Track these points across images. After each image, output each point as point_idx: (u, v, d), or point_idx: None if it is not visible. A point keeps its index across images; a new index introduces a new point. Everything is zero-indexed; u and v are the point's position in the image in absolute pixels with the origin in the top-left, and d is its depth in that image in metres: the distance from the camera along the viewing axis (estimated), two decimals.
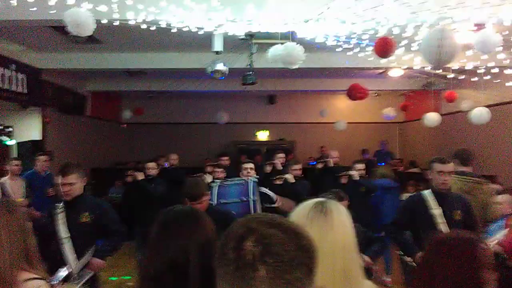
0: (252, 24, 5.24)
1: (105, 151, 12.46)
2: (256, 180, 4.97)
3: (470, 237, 1.70)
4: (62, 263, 3.18)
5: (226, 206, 4.61)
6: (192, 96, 13.46)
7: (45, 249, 3.30)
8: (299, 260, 0.85)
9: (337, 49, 6.14)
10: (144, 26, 4.97)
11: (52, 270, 2.91)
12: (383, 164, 11.18)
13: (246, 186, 4.81)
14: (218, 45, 5.78)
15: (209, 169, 6.57)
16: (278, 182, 5.49)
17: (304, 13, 4.99)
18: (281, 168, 6.26)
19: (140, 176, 6.23)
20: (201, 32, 5.33)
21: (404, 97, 12.89)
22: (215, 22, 5.13)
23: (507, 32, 4.99)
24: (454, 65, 6.55)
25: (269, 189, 5.14)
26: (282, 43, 5.21)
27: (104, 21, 4.70)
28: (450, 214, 3.54)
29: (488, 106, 7.66)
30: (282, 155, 6.83)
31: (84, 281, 3.22)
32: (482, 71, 6.48)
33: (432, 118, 9.02)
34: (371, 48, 5.51)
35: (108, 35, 6.80)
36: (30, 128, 8.99)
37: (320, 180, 6.36)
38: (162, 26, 5.03)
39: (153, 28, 5.04)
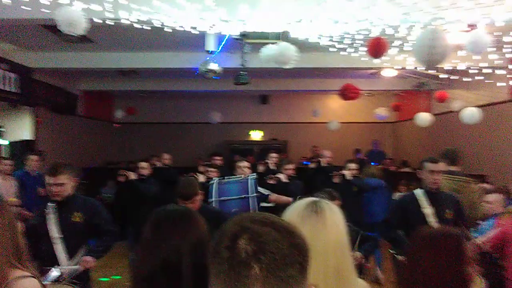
0: (245, 24, 5.25)
1: (97, 150, 12.40)
2: (255, 177, 4.97)
3: (456, 232, 1.74)
4: (54, 263, 3.16)
5: (226, 203, 4.62)
6: (185, 96, 13.43)
7: (37, 249, 3.29)
8: (293, 258, 0.86)
9: (330, 49, 6.16)
10: (137, 26, 4.95)
11: (44, 270, 2.89)
12: (375, 163, 11.26)
13: (246, 183, 4.81)
14: (210, 45, 5.78)
15: (202, 169, 6.57)
16: (271, 181, 5.51)
17: (297, 13, 5.00)
18: (274, 167, 6.28)
19: (133, 175, 6.21)
20: (194, 32, 5.32)
21: (396, 97, 12.96)
22: (208, 21, 5.12)
23: (500, 33, 5.04)
24: (446, 65, 6.60)
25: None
26: (275, 43, 5.22)
27: (97, 20, 4.68)
28: (441, 213, 3.58)
29: (479, 106, 7.72)
30: (275, 155, 6.86)
31: (71, 277, 3.19)
32: (473, 71, 6.53)
33: (424, 118, 9.08)
34: (364, 48, 5.53)
35: (101, 34, 6.76)
36: (21, 128, 8.93)
37: (313, 180, 6.38)
38: (155, 25, 5.01)
39: (146, 27, 5.02)
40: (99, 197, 9.30)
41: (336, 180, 5.93)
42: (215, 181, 4.88)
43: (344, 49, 6.05)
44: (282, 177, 5.56)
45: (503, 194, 4.20)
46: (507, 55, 5.93)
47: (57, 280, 2.88)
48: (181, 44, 7.19)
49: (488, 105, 8.28)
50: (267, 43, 5.52)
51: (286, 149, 13.69)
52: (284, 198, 5.01)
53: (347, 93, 8.95)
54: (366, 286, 1.61)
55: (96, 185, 9.86)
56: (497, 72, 6.68)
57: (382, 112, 11.69)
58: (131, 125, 13.87)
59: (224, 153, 9.84)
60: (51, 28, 6.09)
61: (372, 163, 10.84)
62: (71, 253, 3.33)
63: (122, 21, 4.80)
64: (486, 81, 6.91)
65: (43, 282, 2.47)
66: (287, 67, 5.24)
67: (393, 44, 5.50)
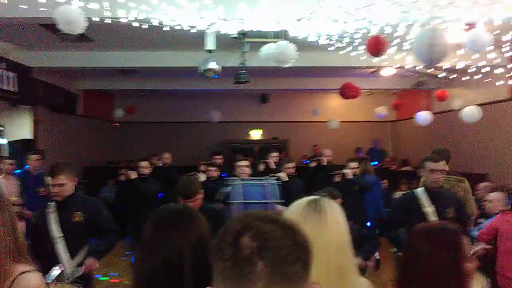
0: (244, 22, 5.24)
1: (98, 150, 12.40)
2: (280, 182, 4.93)
3: (455, 228, 1.74)
4: (55, 262, 3.16)
5: (250, 206, 4.60)
6: (185, 95, 13.42)
7: (39, 249, 3.29)
8: (296, 254, 0.86)
9: (329, 48, 6.16)
10: (136, 24, 4.95)
11: (45, 270, 2.88)
12: (376, 162, 11.27)
13: (269, 188, 4.77)
14: (210, 44, 5.77)
15: (202, 167, 6.56)
16: None
17: (297, 11, 4.99)
18: (275, 167, 6.28)
19: (133, 175, 6.22)
20: (193, 31, 5.31)
21: (396, 96, 12.96)
22: (207, 20, 5.12)
23: (497, 32, 5.04)
24: (446, 64, 6.60)
25: None
26: (274, 42, 5.21)
27: (95, 19, 4.67)
28: (442, 212, 3.58)
29: (479, 105, 7.72)
30: (275, 154, 6.85)
31: (74, 277, 3.20)
32: (473, 70, 6.53)
33: (424, 116, 9.08)
34: (363, 47, 5.53)
35: (100, 33, 6.76)
36: (21, 127, 8.92)
37: (313, 179, 6.38)
38: (154, 24, 5.01)
39: (145, 26, 5.02)
40: (99, 196, 9.30)
41: (337, 179, 5.93)
42: (239, 182, 4.80)
43: (343, 48, 6.05)
44: (283, 176, 5.55)
45: (504, 192, 4.21)
46: (506, 54, 5.93)
47: (58, 279, 2.88)
48: (181, 43, 7.19)
49: (488, 103, 8.28)
50: (266, 42, 5.51)
51: (286, 148, 13.70)
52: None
53: (347, 92, 8.95)
54: (368, 284, 1.61)
55: (97, 185, 9.87)
56: (496, 71, 6.68)
57: (382, 111, 11.69)
58: (131, 124, 13.87)
59: (224, 152, 9.84)
60: (50, 27, 6.09)
61: (372, 162, 10.90)
62: (72, 252, 3.34)
63: (121, 19, 4.79)
64: (485, 80, 6.91)
65: (46, 281, 2.49)
66: (287, 66, 5.23)
67: (392, 43, 5.50)
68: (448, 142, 9.68)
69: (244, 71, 6.76)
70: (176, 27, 5.16)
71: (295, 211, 1.46)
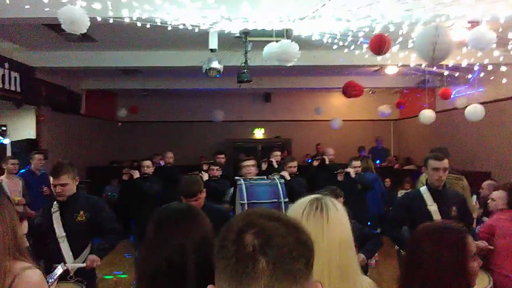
0: (247, 21, 5.24)
1: (101, 149, 12.42)
2: (284, 181, 4.90)
3: (459, 227, 1.73)
4: (59, 261, 3.17)
5: (256, 206, 4.53)
6: (188, 94, 13.43)
7: (42, 248, 3.31)
8: (299, 252, 0.86)
9: (332, 47, 6.14)
10: (139, 24, 4.95)
11: (48, 269, 2.89)
12: (379, 161, 11.26)
13: (276, 187, 4.72)
14: (213, 43, 5.77)
15: (205, 167, 6.57)
16: None
17: (299, 10, 4.98)
18: (277, 166, 6.28)
19: (136, 174, 6.22)
20: (196, 30, 5.31)
21: (399, 95, 12.93)
22: (210, 20, 5.11)
23: (500, 30, 5.01)
24: (449, 62, 6.57)
25: None
26: (277, 41, 5.21)
27: (99, 18, 4.68)
28: (446, 210, 3.57)
29: (482, 103, 7.69)
30: (278, 153, 6.86)
31: (75, 269, 3.21)
32: (476, 68, 6.50)
33: (427, 115, 9.05)
34: (366, 45, 5.52)
35: (103, 33, 6.77)
36: (24, 127, 8.94)
37: (316, 178, 6.38)
38: (157, 24, 5.01)
39: (148, 26, 5.02)
40: (102, 195, 9.33)
41: (339, 177, 5.92)
42: (243, 182, 4.77)
43: (346, 47, 6.03)
44: (285, 174, 5.55)
45: (507, 191, 4.20)
46: (511, 52, 5.90)
47: (62, 278, 2.89)
48: (184, 43, 7.19)
49: (492, 102, 8.24)
50: (269, 41, 5.50)
51: (289, 147, 13.69)
52: None
53: (350, 91, 8.92)
54: (371, 283, 1.60)
55: (100, 184, 9.89)
56: (500, 69, 6.65)
57: (385, 109, 11.66)
58: (134, 124, 13.89)
59: (228, 151, 9.85)
60: (54, 27, 6.10)
61: (375, 161, 10.89)
62: (76, 251, 3.35)
63: (124, 19, 4.80)
64: (489, 78, 6.88)
65: (49, 280, 2.50)
66: (290, 64, 5.23)
67: (396, 41, 5.48)
68: (451, 141, 9.67)
69: (246, 70, 6.76)
70: (179, 27, 5.17)
71: (297, 210, 1.46)
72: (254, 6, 4.91)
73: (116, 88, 11.85)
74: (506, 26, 4.92)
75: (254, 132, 14.69)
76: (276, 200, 4.63)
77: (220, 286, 0.88)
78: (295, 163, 5.92)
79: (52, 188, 3.46)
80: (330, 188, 3.77)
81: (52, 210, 3.42)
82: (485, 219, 4.27)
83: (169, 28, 5.15)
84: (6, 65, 7.52)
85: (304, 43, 5.56)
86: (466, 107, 7.79)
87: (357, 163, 6.20)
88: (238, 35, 5.97)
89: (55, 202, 3.45)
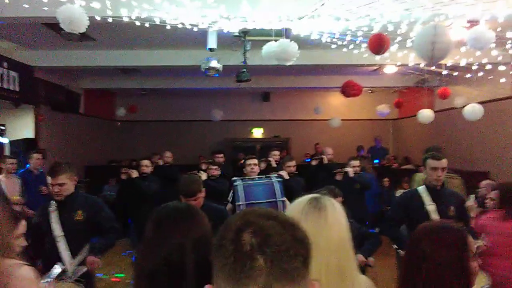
0: (246, 21, 5.23)
1: (99, 149, 12.41)
2: (281, 180, 4.90)
3: (459, 227, 1.73)
4: (57, 261, 3.17)
5: (254, 207, 4.48)
6: (187, 94, 13.43)
7: (40, 248, 3.30)
8: (296, 250, 0.87)
9: (331, 46, 6.14)
10: (138, 23, 4.95)
11: (47, 269, 2.89)
12: (377, 160, 11.27)
13: (273, 187, 4.71)
14: (212, 42, 5.77)
15: (203, 166, 6.57)
16: None
17: (299, 10, 4.98)
18: (276, 165, 6.27)
19: (135, 173, 6.22)
20: (195, 29, 5.31)
21: (398, 94, 12.94)
22: (209, 19, 5.11)
23: (499, 29, 5.02)
24: (448, 61, 6.57)
25: None
26: (276, 40, 5.20)
27: (98, 18, 4.67)
28: (444, 210, 3.57)
29: (481, 103, 7.70)
30: (277, 152, 6.85)
31: (77, 276, 3.21)
32: (475, 67, 6.51)
33: (425, 114, 9.06)
34: (365, 45, 5.52)
35: (102, 32, 6.76)
36: (23, 126, 8.93)
37: (315, 177, 6.38)
38: (156, 23, 5.00)
39: (147, 25, 5.02)
40: (101, 195, 9.32)
41: (338, 177, 5.92)
42: (240, 183, 4.72)
43: (345, 46, 6.03)
44: (284, 174, 5.55)
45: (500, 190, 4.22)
46: (510, 51, 5.90)
47: (60, 277, 2.89)
48: (183, 42, 7.19)
49: (490, 101, 8.25)
50: (268, 40, 5.50)
51: (288, 147, 13.70)
52: None
53: (349, 90, 8.93)
54: (368, 282, 1.61)
55: (98, 183, 9.88)
56: (499, 68, 6.65)
57: (384, 109, 11.67)
58: (132, 123, 13.88)
59: (226, 150, 9.84)
60: (53, 26, 6.09)
61: (374, 160, 10.91)
62: (74, 251, 3.34)
63: (123, 18, 4.79)
64: (487, 77, 6.88)
65: (47, 280, 2.50)
66: (289, 64, 5.23)
67: (395, 41, 5.48)
68: (450, 140, 9.68)
69: (245, 70, 6.76)
70: (178, 26, 5.16)
71: (296, 209, 1.46)
72: (254, 6, 4.91)
73: (115, 87, 11.84)
74: (505, 26, 4.92)
75: (253, 131, 14.69)
76: (272, 199, 4.63)
77: (218, 285, 0.88)
78: (293, 163, 5.92)
79: (49, 188, 3.45)
80: (329, 187, 3.77)
81: (50, 209, 3.41)
82: None
83: (168, 27, 5.14)
84: (5, 64, 7.51)
85: (303, 42, 5.56)
86: (464, 106, 7.80)
87: (356, 162, 6.20)
88: (237, 34, 5.97)
89: (53, 202, 3.44)
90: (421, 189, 3.76)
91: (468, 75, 6.91)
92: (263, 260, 0.84)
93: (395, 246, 4.12)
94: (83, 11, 4.17)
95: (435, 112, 9.27)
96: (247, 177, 5.05)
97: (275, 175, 5.09)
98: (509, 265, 3.48)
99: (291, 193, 4.79)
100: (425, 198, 3.66)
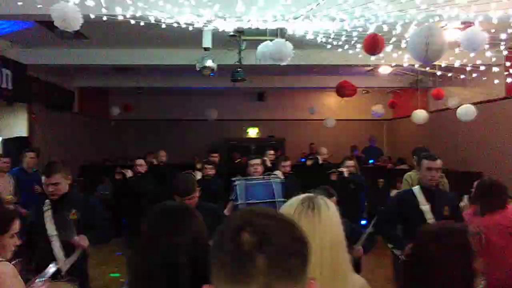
0: (241, 20, 5.23)
1: (94, 148, 12.36)
2: (282, 180, 4.91)
3: (464, 228, 1.73)
4: (52, 260, 3.15)
5: (253, 206, 4.46)
6: (181, 93, 13.40)
7: (34, 247, 3.28)
8: (295, 249, 0.88)
9: (326, 46, 6.15)
10: (132, 22, 4.92)
11: (41, 268, 2.88)
12: (372, 161, 11.30)
13: (272, 187, 4.71)
14: (207, 42, 5.76)
15: (198, 165, 6.56)
16: None
17: (294, 10, 4.99)
18: (271, 165, 6.28)
19: (129, 173, 6.20)
20: (190, 28, 5.29)
21: (392, 95, 12.99)
22: (204, 18, 5.10)
23: (493, 31, 5.05)
24: (442, 62, 6.60)
25: None
26: (271, 40, 5.20)
27: (92, 16, 4.65)
28: (438, 210, 3.59)
29: (475, 104, 7.75)
30: (272, 152, 6.86)
31: (70, 265, 3.20)
32: (469, 68, 6.54)
33: (420, 115, 9.10)
34: (360, 45, 5.53)
35: (96, 31, 6.73)
36: (16, 125, 8.87)
37: (309, 177, 6.39)
38: (151, 21, 4.99)
39: (141, 23, 5.00)
40: (95, 194, 9.27)
41: (333, 177, 5.94)
42: (241, 182, 4.71)
43: (340, 46, 6.05)
44: (279, 174, 5.55)
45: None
46: (504, 52, 5.94)
47: (55, 276, 2.88)
48: (178, 41, 7.16)
49: (485, 102, 8.30)
50: (263, 40, 5.50)
51: (283, 147, 13.70)
52: None
53: (344, 90, 8.96)
54: (362, 281, 1.61)
55: (93, 182, 9.83)
56: (493, 70, 6.69)
57: (379, 109, 11.70)
58: (127, 122, 13.83)
59: (221, 150, 9.84)
60: (47, 24, 6.05)
61: (368, 160, 10.94)
62: (67, 250, 3.33)
63: (118, 17, 4.77)
64: (481, 78, 6.92)
65: (41, 279, 2.48)
66: (284, 64, 5.23)
67: (390, 42, 5.50)
68: (444, 140, 9.73)
69: (240, 69, 6.75)
70: (173, 25, 5.15)
71: (289, 209, 1.46)
72: (249, 5, 4.90)
73: (109, 86, 11.80)
74: (498, 27, 4.95)
75: (248, 131, 14.68)
76: (271, 199, 4.63)
77: (217, 284, 0.88)
78: (288, 163, 5.93)
79: (44, 187, 3.44)
80: (323, 187, 3.77)
81: (44, 208, 3.40)
82: None
83: (163, 26, 5.13)
84: None
85: (298, 42, 5.57)
86: (458, 107, 7.85)
87: (350, 162, 6.22)
88: (232, 33, 5.96)
89: (47, 201, 3.43)
90: (416, 189, 3.78)
91: (462, 76, 6.95)
92: (263, 259, 0.84)
93: (390, 246, 4.14)
94: (77, 9, 4.15)
95: (429, 112, 9.32)
96: (247, 177, 5.05)
97: (273, 175, 5.10)
98: (487, 259, 3.50)
99: (285, 193, 4.80)
100: (420, 198, 3.68)
